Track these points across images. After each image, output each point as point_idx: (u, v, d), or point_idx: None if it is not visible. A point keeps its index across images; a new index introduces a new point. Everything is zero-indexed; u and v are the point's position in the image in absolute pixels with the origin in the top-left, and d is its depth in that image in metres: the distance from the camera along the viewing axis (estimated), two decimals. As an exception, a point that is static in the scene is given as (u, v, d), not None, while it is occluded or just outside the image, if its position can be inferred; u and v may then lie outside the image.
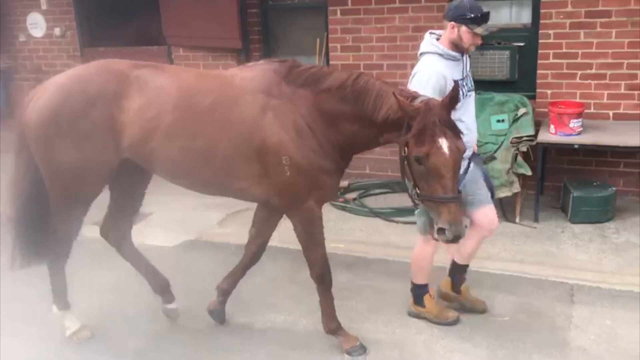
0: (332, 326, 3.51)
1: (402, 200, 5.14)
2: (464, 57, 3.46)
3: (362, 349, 3.49)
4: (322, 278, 3.42)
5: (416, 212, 3.51)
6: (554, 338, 3.62)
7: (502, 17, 6.20)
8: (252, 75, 3.24)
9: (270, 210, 3.56)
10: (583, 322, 3.74)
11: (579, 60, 5.76)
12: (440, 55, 3.37)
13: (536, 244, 4.93)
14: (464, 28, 3.31)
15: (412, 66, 3.50)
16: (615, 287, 3.96)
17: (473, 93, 3.57)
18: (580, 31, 5.72)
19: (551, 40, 5.84)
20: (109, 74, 3.26)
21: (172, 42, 7.42)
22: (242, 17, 6.87)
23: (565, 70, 5.83)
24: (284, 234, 3.74)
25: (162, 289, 3.87)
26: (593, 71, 5.71)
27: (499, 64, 5.97)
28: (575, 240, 4.95)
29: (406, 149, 2.84)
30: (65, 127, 3.19)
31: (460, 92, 3.14)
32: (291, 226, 3.40)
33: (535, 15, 5.96)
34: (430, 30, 3.52)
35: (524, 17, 6.13)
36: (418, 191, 2.90)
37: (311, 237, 3.37)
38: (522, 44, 6.02)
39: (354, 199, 6.04)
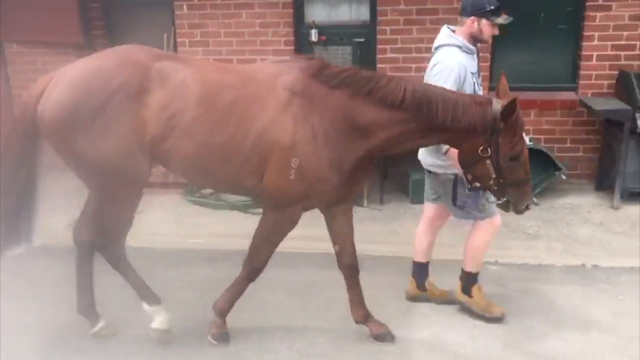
0: (225, 308, 3.58)
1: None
2: (478, 52, 3.62)
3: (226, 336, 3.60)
4: (253, 273, 3.47)
5: (490, 201, 3.58)
6: (399, 308, 3.99)
7: (343, 14, 6.57)
8: (277, 72, 3.18)
9: (342, 223, 3.54)
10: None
11: (413, 54, 6.29)
12: (459, 47, 3.47)
13: (382, 225, 5.33)
14: (484, 21, 3.44)
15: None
16: (449, 258, 4.39)
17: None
18: (412, 27, 6.25)
19: (388, 36, 6.32)
20: (131, 67, 3.12)
21: (5, 38, 6.94)
22: (83, 11, 6.63)
23: (401, 64, 6.33)
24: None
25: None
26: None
27: (342, 58, 6.32)
28: (416, 219, 5.35)
29: (489, 149, 3.06)
30: (86, 123, 3.05)
31: (475, 86, 3.44)
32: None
33: (373, 12, 6.39)
34: (446, 24, 3.62)
35: (363, 14, 6.54)
36: (494, 182, 3.16)
37: (274, 237, 3.37)
38: (362, 40, 6.42)
39: (211, 193, 6.10)
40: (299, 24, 6.53)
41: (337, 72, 3.11)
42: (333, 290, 3.99)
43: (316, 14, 6.55)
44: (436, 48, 3.58)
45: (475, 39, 3.53)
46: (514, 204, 3.27)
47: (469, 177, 3.25)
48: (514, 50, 6.29)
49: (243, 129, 3.10)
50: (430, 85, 3.21)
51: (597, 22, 6.06)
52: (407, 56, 6.31)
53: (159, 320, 3.59)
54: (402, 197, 6.03)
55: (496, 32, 3.54)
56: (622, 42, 6.07)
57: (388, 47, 6.34)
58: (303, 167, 3.08)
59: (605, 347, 3.64)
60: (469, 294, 3.90)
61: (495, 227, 3.78)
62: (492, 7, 3.45)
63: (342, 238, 3.55)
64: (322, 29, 6.38)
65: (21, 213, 3.41)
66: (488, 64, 6.06)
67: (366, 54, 6.42)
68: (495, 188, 3.23)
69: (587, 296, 4.22)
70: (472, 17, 3.47)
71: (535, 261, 4.78)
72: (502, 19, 3.48)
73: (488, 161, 3.11)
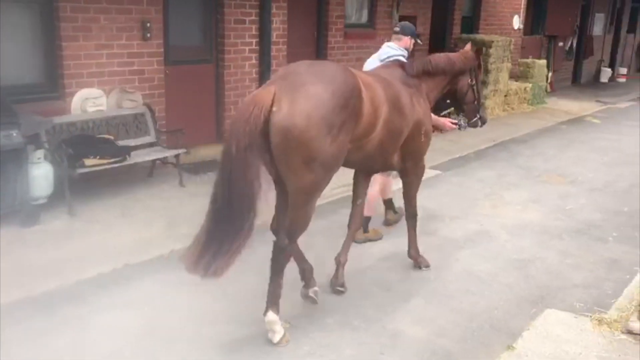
0: (415, 254, 5.25)
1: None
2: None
3: None
4: (415, 219, 5.14)
5: (462, 126, 5.41)
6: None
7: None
8: (392, 72, 4.58)
9: (365, 180, 4.93)
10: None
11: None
12: (403, 56, 5.13)
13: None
14: (412, 40, 5.39)
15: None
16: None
17: None
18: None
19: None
20: (350, 72, 3.90)
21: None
22: None
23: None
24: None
25: (307, 275, 4.40)
26: None
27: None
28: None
29: (474, 79, 5.06)
30: (331, 127, 3.60)
31: None
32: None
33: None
34: (386, 42, 5.43)
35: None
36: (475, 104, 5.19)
37: (417, 186, 5.02)
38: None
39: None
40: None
41: (413, 65, 4.72)
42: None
43: None
44: (389, 57, 5.11)
45: (407, 51, 5.33)
46: (482, 117, 5.31)
47: (464, 106, 5.21)
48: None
49: (404, 114, 4.36)
50: (436, 55, 4.95)
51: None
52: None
53: (275, 325, 3.98)
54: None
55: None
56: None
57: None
58: (427, 130, 4.72)
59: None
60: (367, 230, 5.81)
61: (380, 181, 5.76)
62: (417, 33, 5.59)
63: (364, 192, 5.03)
64: None
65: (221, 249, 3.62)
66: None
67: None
68: (474, 109, 5.21)
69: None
70: (409, 37, 5.37)
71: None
72: (420, 40, 5.65)
73: (473, 88, 5.09)
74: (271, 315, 3.95)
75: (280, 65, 8.85)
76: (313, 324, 4.31)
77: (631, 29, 22.88)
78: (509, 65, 13.05)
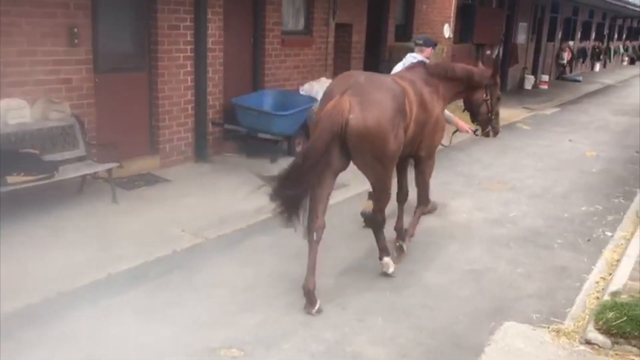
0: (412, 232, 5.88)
1: None
2: None
3: None
4: (425, 207, 5.97)
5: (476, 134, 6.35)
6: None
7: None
8: (416, 72, 5.31)
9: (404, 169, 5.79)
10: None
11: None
12: (424, 63, 5.64)
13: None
14: (431, 50, 6.06)
15: None
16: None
17: None
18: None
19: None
20: (395, 79, 5.00)
21: None
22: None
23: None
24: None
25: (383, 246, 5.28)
26: None
27: None
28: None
29: (489, 95, 5.66)
30: (393, 127, 4.59)
31: None
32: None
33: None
34: (410, 54, 5.90)
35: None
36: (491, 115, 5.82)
37: (428, 177, 5.71)
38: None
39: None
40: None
41: (432, 67, 5.42)
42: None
43: None
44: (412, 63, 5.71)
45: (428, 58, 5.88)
46: (494, 128, 5.98)
47: (478, 117, 5.83)
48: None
49: (427, 110, 5.12)
50: (459, 64, 5.56)
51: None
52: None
53: (390, 264, 5.26)
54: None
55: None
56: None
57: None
58: (442, 125, 5.48)
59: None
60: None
61: None
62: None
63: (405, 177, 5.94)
64: None
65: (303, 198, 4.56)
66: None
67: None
68: (487, 120, 5.82)
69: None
70: (431, 47, 6.07)
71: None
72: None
73: (487, 102, 5.68)
74: (386, 259, 5.25)
75: (217, 72, 8.55)
76: (269, 350, 4.05)
77: (551, 38, 23.89)
78: (442, 73, 13.20)
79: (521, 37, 20.36)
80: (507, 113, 15.13)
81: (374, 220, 5.25)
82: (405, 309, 4.73)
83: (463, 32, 16.09)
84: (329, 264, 5.45)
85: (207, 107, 8.42)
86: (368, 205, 6.00)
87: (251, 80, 9.43)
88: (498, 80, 5.80)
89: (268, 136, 8.48)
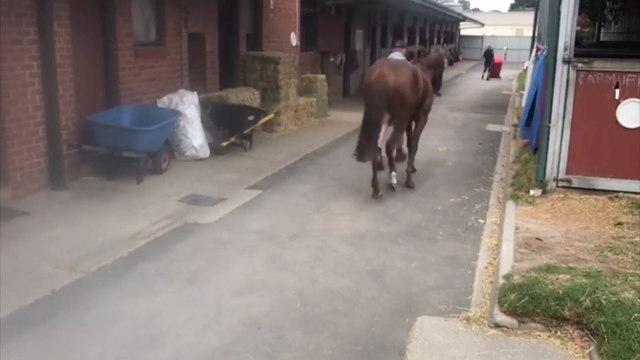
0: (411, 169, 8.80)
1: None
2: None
3: None
4: (417, 147, 8.91)
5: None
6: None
7: None
8: (415, 65, 8.55)
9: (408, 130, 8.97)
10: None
11: None
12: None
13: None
14: (404, 51, 10.81)
15: None
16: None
17: None
18: None
19: None
20: (410, 64, 8.38)
21: None
22: None
23: None
24: None
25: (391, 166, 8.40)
26: None
27: None
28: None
29: (440, 69, 9.68)
30: (411, 88, 7.76)
31: None
32: None
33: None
34: (394, 52, 10.40)
35: None
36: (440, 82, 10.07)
37: (422, 129, 8.80)
38: None
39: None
40: None
41: (423, 60, 9.27)
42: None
43: None
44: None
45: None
46: (439, 89, 10.22)
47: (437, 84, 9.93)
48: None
49: (427, 84, 8.38)
50: (431, 56, 10.27)
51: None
52: None
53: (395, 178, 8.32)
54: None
55: None
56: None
57: None
58: (430, 93, 8.61)
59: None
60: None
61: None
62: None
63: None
64: None
65: (371, 137, 7.62)
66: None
67: None
68: (439, 85, 9.97)
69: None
70: (404, 49, 10.78)
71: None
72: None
73: (440, 73, 9.66)
74: (394, 173, 8.35)
75: (68, 89, 7.82)
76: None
77: (383, 44, 25.29)
78: (296, 81, 13.37)
79: (359, 44, 21.28)
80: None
81: (399, 152, 9.46)
82: (320, 318, 4.61)
83: (308, 40, 16.41)
84: (230, 282, 5.20)
85: (59, 128, 7.66)
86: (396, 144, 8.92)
87: (105, 96, 8.75)
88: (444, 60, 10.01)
89: (133, 154, 7.91)
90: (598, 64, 7.18)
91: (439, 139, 12.74)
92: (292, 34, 15.21)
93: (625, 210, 6.86)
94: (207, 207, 7.37)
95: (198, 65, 11.05)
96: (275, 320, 4.56)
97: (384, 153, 8.28)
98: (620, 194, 7.27)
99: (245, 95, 11.16)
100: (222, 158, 9.94)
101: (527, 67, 18.60)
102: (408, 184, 8.47)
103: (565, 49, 7.15)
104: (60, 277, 5.15)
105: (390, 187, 8.21)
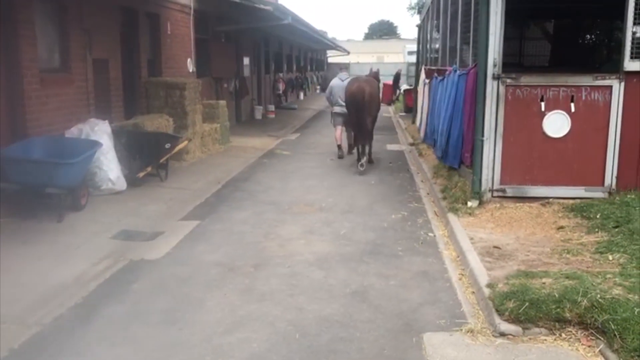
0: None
1: None
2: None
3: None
4: (372, 138, 12.09)
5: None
6: None
7: None
8: (372, 80, 11.88)
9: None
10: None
11: None
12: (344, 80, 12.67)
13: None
14: (346, 72, 13.50)
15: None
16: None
17: None
18: None
19: None
20: (361, 82, 11.43)
21: None
22: None
23: None
24: None
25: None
26: None
27: None
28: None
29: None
30: (378, 97, 12.13)
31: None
32: None
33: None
34: (340, 74, 12.95)
35: None
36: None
37: (373, 127, 11.91)
38: None
39: None
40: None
41: (372, 75, 12.88)
42: None
43: None
44: (347, 79, 12.35)
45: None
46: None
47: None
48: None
49: (378, 97, 12.22)
50: (373, 73, 13.46)
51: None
52: None
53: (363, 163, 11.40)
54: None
55: None
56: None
57: None
58: (379, 107, 12.42)
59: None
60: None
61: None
62: None
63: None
64: None
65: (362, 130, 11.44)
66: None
67: None
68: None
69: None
70: (345, 71, 13.58)
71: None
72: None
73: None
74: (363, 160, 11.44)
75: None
76: None
77: (267, 70, 25.33)
78: (201, 107, 12.91)
79: (246, 71, 21.11)
80: (260, 142, 15.51)
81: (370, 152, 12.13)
82: (327, 347, 4.34)
83: (201, 66, 15.98)
84: (212, 319, 4.75)
85: (-36, 165, 6.69)
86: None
87: (10, 129, 7.82)
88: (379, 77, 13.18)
89: (55, 190, 7.10)
90: (525, 79, 7.64)
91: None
92: (189, 60, 14.74)
93: (560, 215, 7.28)
94: (145, 242, 6.78)
95: (103, 93, 10.27)
96: (282, 355, 4.23)
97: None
98: (551, 199, 7.74)
99: (160, 122, 10.54)
100: (140, 189, 9.27)
101: (415, 89, 19.51)
102: (371, 161, 12.00)
103: (495, 65, 7.53)
104: (13, 333, 4.43)
105: (361, 166, 11.10)
